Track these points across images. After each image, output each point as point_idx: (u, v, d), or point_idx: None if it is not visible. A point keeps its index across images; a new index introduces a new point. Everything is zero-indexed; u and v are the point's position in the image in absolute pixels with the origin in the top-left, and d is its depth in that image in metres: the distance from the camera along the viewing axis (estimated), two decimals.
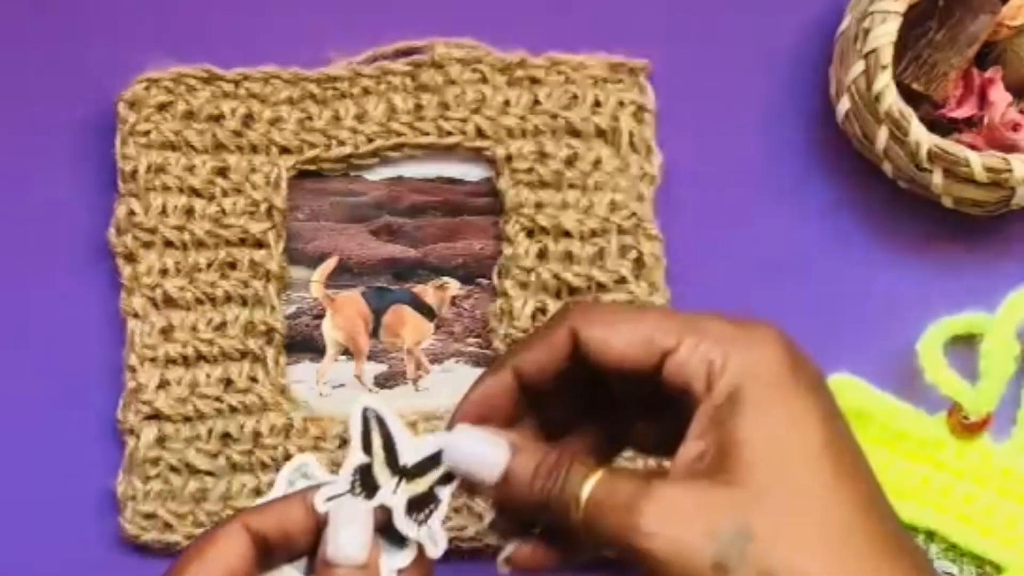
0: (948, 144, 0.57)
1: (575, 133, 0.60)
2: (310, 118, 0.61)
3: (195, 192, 0.60)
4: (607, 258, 0.59)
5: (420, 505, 0.44)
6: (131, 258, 0.60)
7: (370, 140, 0.61)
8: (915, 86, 0.59)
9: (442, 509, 0.45)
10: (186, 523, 0.58)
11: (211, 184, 0.60)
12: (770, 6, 0.64)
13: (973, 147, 0.57)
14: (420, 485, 0.45)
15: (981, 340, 0.57)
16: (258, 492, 0.58)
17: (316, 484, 0.45)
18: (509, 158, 0.60)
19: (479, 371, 0.53)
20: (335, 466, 0.47)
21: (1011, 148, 0.57)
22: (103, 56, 0.62)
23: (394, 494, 0.44)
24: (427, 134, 0.61)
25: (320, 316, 0.60)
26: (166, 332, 0.59)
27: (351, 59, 0.62)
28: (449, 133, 0.61)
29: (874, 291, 0.61)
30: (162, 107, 0.60)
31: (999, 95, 0.59)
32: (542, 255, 0.60)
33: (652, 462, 0.56)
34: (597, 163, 0.60)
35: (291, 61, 0.61)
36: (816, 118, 0.63)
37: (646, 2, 0.64)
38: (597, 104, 0.61)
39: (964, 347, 0.58)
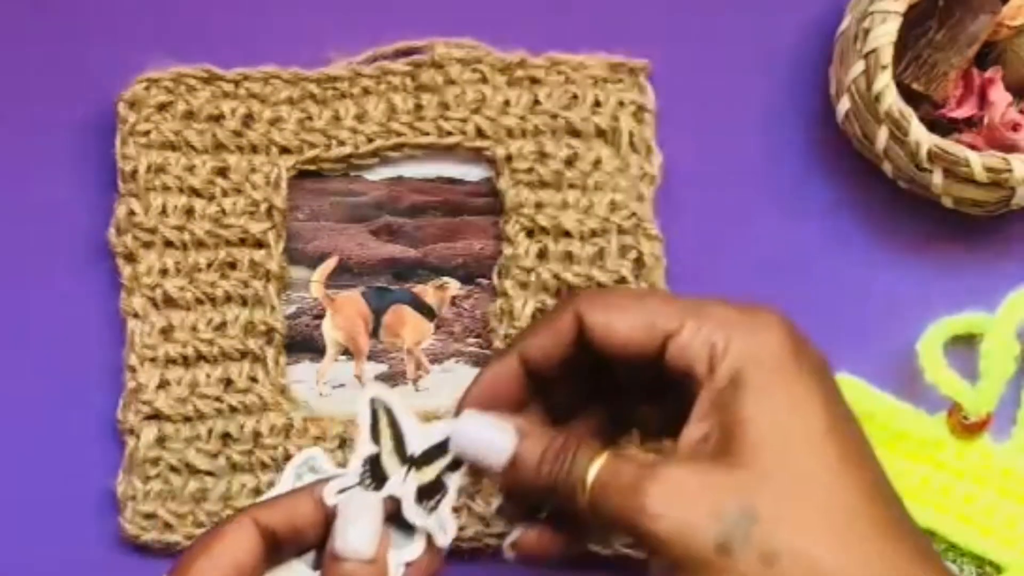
0: (948, 144, 0.57)
1: (575, 133, 0.60)
2: (310, 118, 0.61)
3: (195, 192, 0.60)
4: (607, 258, 0.59)
5: (429, 493, 0.45)
6: (131, 258, 0.60)
7: (370, 140, 0.61)
8: (915, 86, 0.59)
9: (451, 496, 0.45)
10: (186, 523, 0.58)
11: (211, 184, 0.60)
12: (770, 6, 0.64)
13: (973, 147, 0.57)
14: (429, 473, 0.45)
15: (981, 340, 0.57)
16: (258, 492, 0.58)
17: (324, 478, 0.45)
18: (509, 158, 0.60)
19: (479, 371, 0.53)
20: (337, 465, 0.47)
21: (1011, 148, 0.57)
22: (103, 56, 0.62)
23: (403, 483, 0.44)
24: (427, 134, 0.61)
25: (320, 316, 0.60)
26: (166, 332, 0.59)
27: (351, 59, 0.62)
28: (449, 133, 0.61)
29: (874, 291, 0.61)
30: (162, 107, 0.60)
31: (999, 95, 0.59)
32: (542, 255, 0.60)
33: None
34: (597, 163, 0.60)
35: (291, 61, 0.61)
36: (816, 118, 0.63)
37: (646, 2, 0.64)
38: (597, 104, 0.61)
39: (964, 347, 0.58)
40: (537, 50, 0.61)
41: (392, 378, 0.60)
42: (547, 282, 0.59)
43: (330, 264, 0.61)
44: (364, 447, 0.45)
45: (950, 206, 0.59)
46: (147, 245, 0.60)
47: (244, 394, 0.59)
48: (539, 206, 0.60)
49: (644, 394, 0.47)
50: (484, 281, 0.61)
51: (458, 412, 0.46)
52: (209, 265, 0.60)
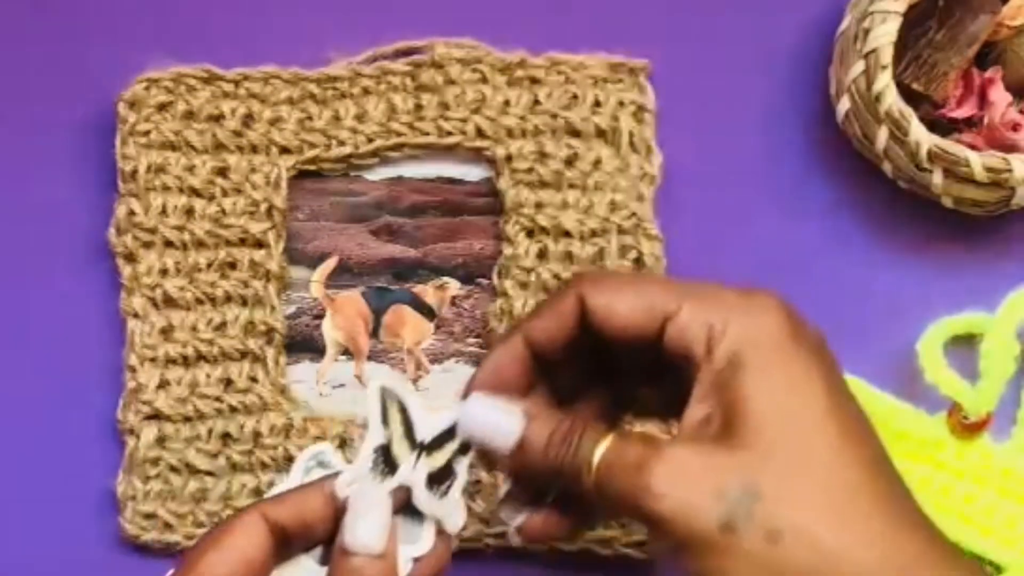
0: (948, 144, 0.57)
1: (575, 133, 0.60)
2: (310, 118, 0.61)
3: (195, 192, 0.60)
4: (607, 258, 0.59)
5: (439, 480, 0.45)
6: (131, 258, 0.60)
7: (370, 140, 0.61)
8: (915, 86, 0.59)
9: (460, 481, 0.45)
10: (186, 523, 0.58)
11: (211, 184, 0.60)
12: (770, 6, 0.64)
13: (973, 147, 0.57)
14: (439, 459, 0.45)
15: (981, 340, 0.57)
16: (258, 492, 0.58)
17: (333, 472, 0.45)
18: (509, 158, 0.60)
19: (485, 354, 0.54)
20: (345, 461, 0.47)
21: (1011, 148, 0.57)
22: (103, 56, 0.62)
23: (414, 470, 0.44)
24: (427, 134, 0.61)
25: (320, 316, 0.60)
26: (166, 332, 0.59)
27: (351, 59, 0.62)
28: (449, 133, 0.61)
29: (874, 291, 0.61)
30: (162, 107, 0.60)
31: (999, 95, 0.59)
32: (542, 255, 0.60)
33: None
34: (597, 163, 0.60)
35: (291, 61, 0.61)
36: (816, 118, 0.63)
37: (646, 2, 0.64)
38: (597, 104, 0.61)
39: (964, 347, 0.58)
40: (537, 50, 0.61)
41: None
42: (547, 282, 0.59)
43: (330, 264, 0.61)
44: (374, 436, 0.45)
45: (950, 206, 0.59)
46: (147, 245, 0.60)
47: (244, 394, 0.59)
48: (539, 206, 0.60)
49: (646, 376, 0.48)
50: (484, 281, 0.61)
51: (465, 396, 0.46)
52: (209, 265, 0.60)
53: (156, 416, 0.58)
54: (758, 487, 0.41)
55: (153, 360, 0.59)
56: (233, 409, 0.59)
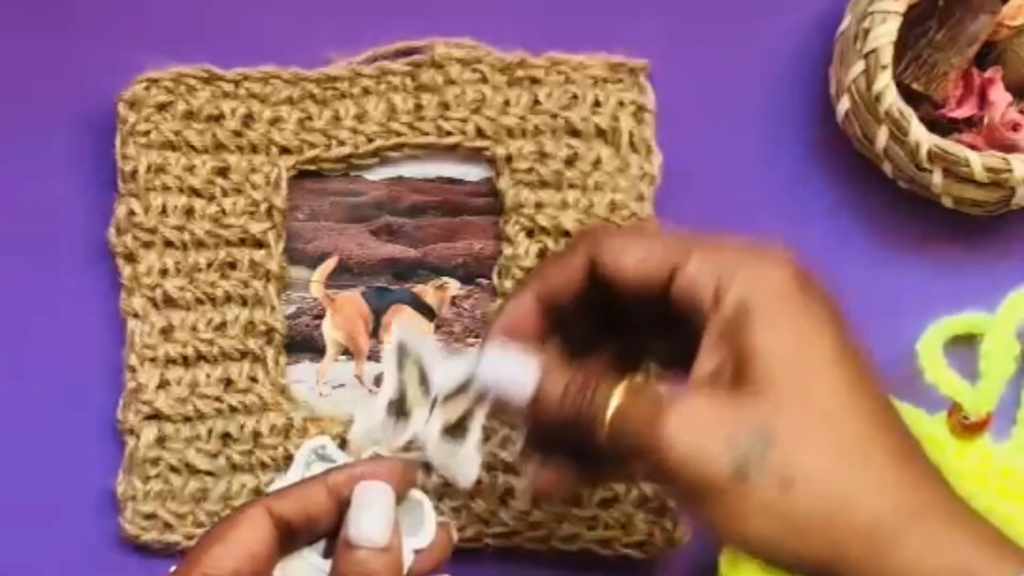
0: (948, 144, 0.57)
1: (575, 133, 0.60)
2: (310, 118, 0.61)
3: (195, 192, 0.60)
4: None
5: (453, 433, 0.45)
6: (131, 258, 0.60)
7: (370, 140, 0.60)
8: (915, 86, 0.59)
9: (475, 436, 0.45)
10: (186, 523, 0.58)
11: (211, 184, 0.60)
12: (770, 6, 0.64)
13: (973, 147, 0.57)
14: (454, 411, 0.45)
15: (981, 340, 0.57)
16: (258, 492, 0.58)
17: (336, 466, 0.45)
18: (509, 158, 0.60)
19: (500, 305, 0.54)
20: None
21: (1011, 148, 0.57)
22: (103, 56, 0.62)
23: (428, 421, 0.44)
24: (427, 134, 0.61)
25: (320, 316, 0.60)
26: (166, 332, 0.59)
27: (351, 59, 0.62)
28: (449, 133, 0.61)
29: (874, 291, 0.61)
30: (162, 107, 0.60)
31: (999, 95, 0.59)
32: (542, 255, 0.60)
33: None
34: (597, 163, 0.60)
35: (291, 61, 0.61)
36: (816, 118, 0.63)
37: (646, 2, 0.64)
38: (597, 104, 0.60)
39: (964, 347, 0.58)
40: (537, 50, 0.61)
41: None
42: None
43: (330, 264, 0.61)
44: (388, 388, 0.45)
45: (950, 206, 0.59)
46: (147, 245, 0.60)
47: (244, 394, 0.59)
48: (539, 206, 0.60)
49: (656, 329, 0.48)
50: (484, 281, 0.61)
51: (483, 345, 0.46)
52: (209, 265, 0.60)
53: (156, 416, 0.58)
54: (770, 434, 0.41)
55: (153, 360, 0.59)
56: (233, 409, 0.59)
